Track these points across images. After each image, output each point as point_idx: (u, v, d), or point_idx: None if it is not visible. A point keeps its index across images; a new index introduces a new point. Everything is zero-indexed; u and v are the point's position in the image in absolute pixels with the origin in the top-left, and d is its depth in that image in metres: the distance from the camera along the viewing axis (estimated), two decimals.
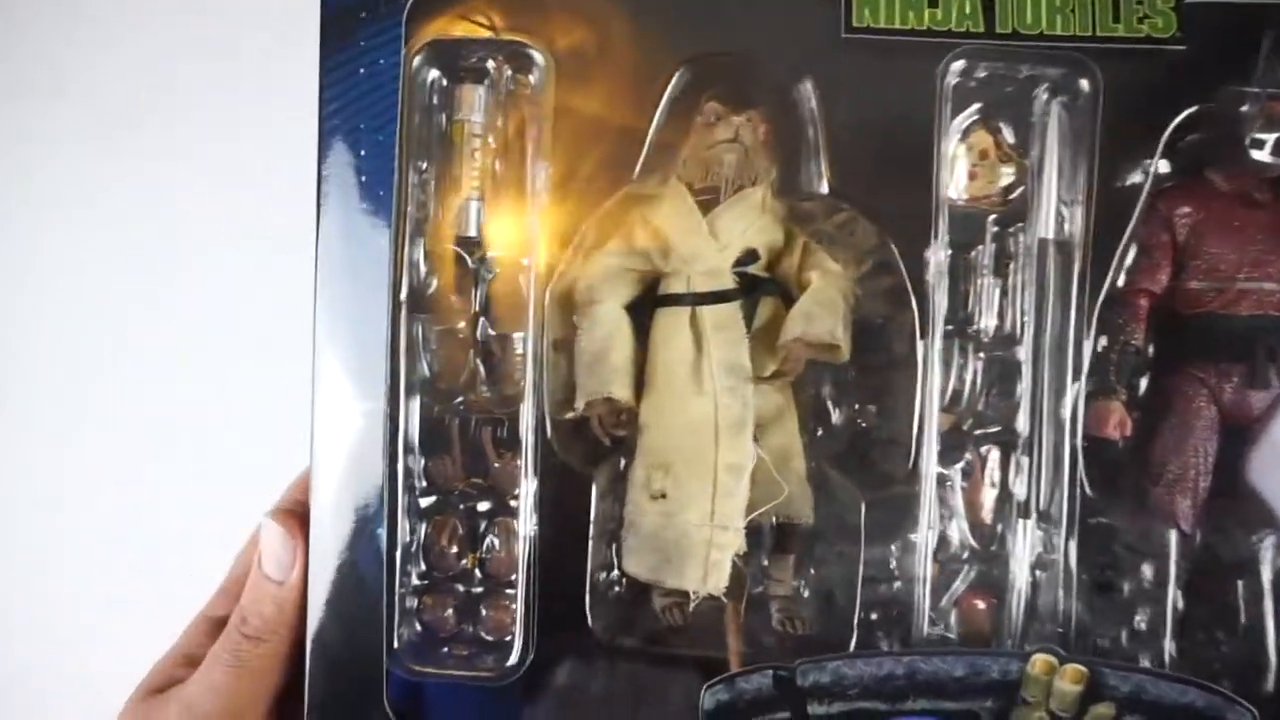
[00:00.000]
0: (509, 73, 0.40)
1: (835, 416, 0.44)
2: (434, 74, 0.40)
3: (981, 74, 0.39)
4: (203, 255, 0.70)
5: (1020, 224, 0.40)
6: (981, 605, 0.41)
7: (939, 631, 0.40)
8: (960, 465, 0.41)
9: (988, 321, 0.40)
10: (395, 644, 0.39)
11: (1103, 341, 0.41)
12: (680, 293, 0.43)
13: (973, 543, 0.41)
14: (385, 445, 0.38)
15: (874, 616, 0.40)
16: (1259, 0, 0.38)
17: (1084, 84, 0.38)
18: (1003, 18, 0.37)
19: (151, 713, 0.39)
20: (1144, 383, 0.43)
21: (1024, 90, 0.39)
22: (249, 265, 0.70)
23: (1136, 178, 0.40)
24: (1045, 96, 0.39)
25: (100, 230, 0.71)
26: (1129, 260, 0.42)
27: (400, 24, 0.38)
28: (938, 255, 0.39)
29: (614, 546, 0.42)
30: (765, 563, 0.43)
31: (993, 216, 0.40)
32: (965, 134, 0.40)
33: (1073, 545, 0.39)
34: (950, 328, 0.40)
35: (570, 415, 0.41)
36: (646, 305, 0.44)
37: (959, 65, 0.38)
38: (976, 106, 0.40)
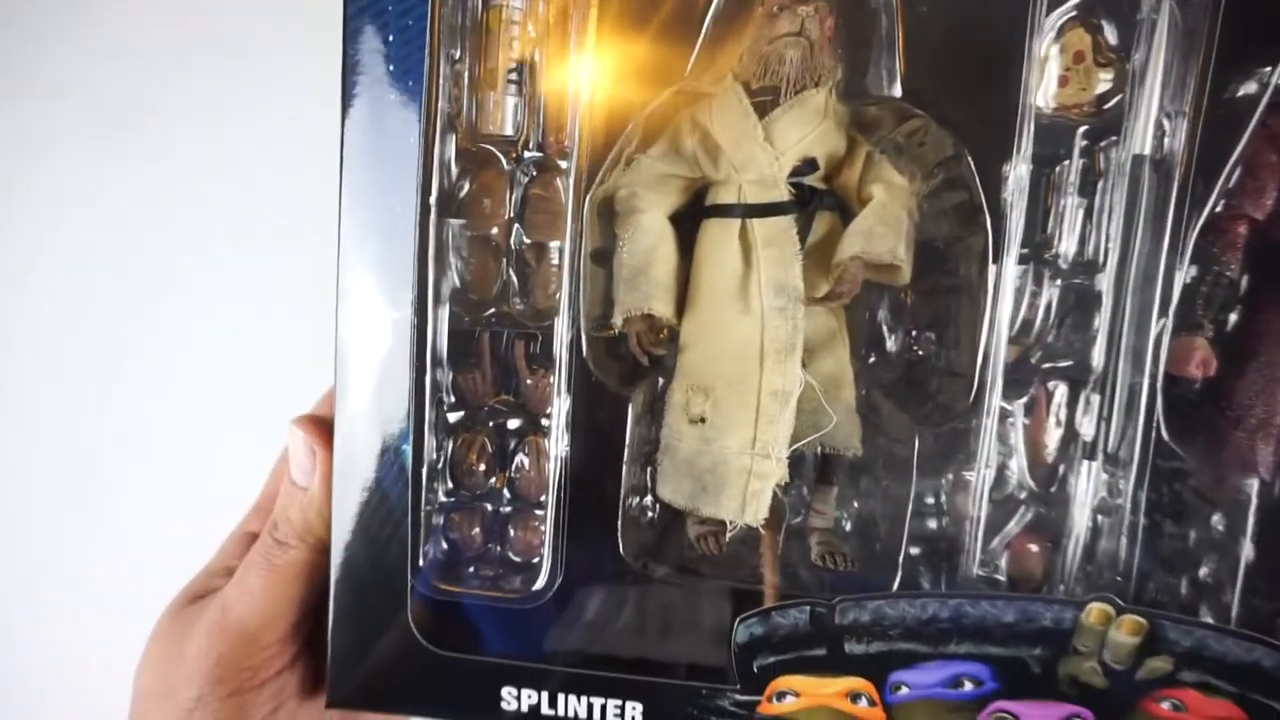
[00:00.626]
0: None
1: (890, 342, 0.41)
2: None
3: None
4: (203, 255, 0.69)
5: (1114, 138, 0.36)
6: (1035, 549, 0.38)
7: (988, 574, 0.38)
8: (1024, 400, 0.38)
9: (1068, 246, 0.37)
10: (420, 561, 0.38)
11: (1193, 271, 0.37)
12: (729, 203, 0.40)
13: (1031, 483, 0.38)
14: (412, 357, 0.36)
15: (919, 554, 0.38)
16: None
17: None
18: None
19: (190, 617, 0.40)
20: (1233, 318, 0.39)
21: None
22: (249, 265, 0.69)
23: (1251, 88, 0.35)
24: None
25: (100, 230, 0.70)
26: (1232, 182, 0.37)
27: None
28: (1017, 170, 0.35)
29: (649, 470, 0.41)
30: (806, 493, 0.41)
31: (1083, 128, 0.36)
32: (1059, 32, 0.36)
33: (1141, 491, 0.36)
34: (1025, 251, 0.36)
35: (607, 332, 0.39)
36: (693, 215, 0.41)
37: None
38: (1075, 1, 0.35)
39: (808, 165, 0.40)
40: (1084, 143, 0.36)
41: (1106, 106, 0.36)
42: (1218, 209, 0.37)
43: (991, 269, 0.36)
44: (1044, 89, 0.36)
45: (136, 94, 0.68)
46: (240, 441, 0.68)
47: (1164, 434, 0.36)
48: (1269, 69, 0.34)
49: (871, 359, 0.41)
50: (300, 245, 0.66)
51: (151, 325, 0.71)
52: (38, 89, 0.69)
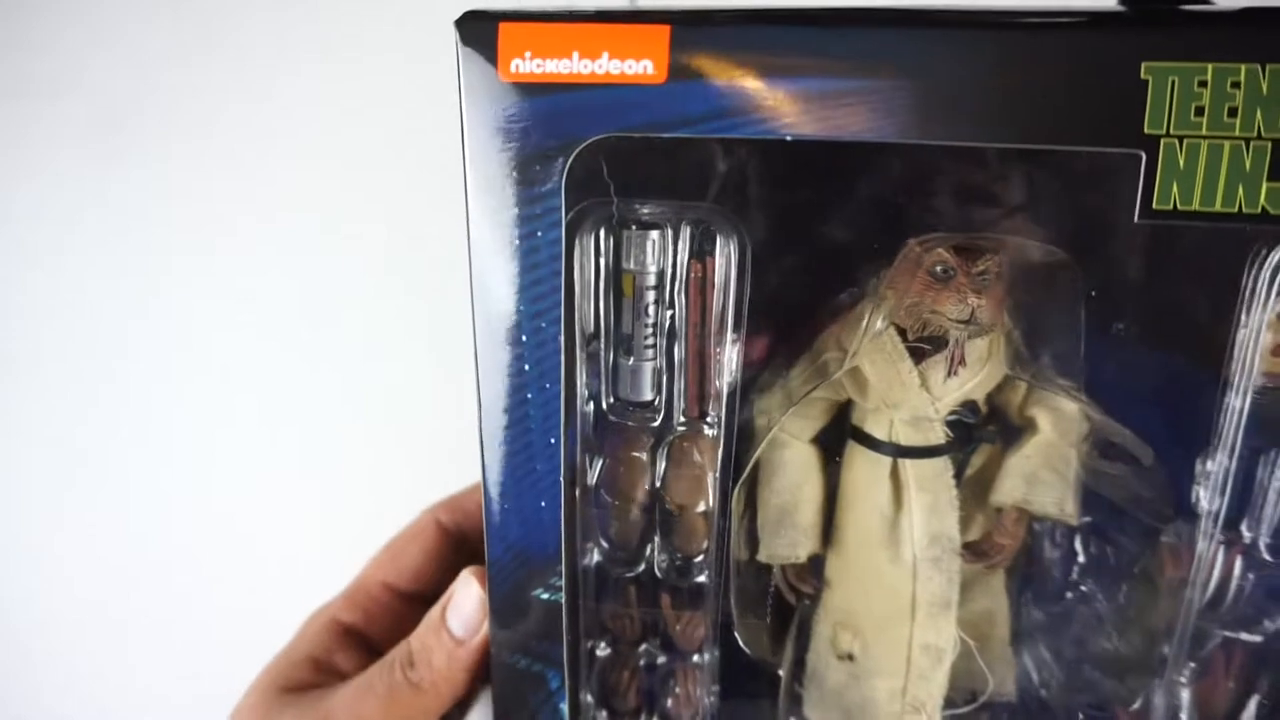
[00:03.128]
0: (688, 230, 0.33)
1: (1055, 575, 0.39)
2: (600, 232, 0.33)
3: None
4: (203, 255, 0.68)
5: None
6: None
7: None
8: (1198, 663, 0.36)
9: (1266, 537, 0.33)
10: None
11: None
12: (880, 439, 0.38)
13: None
14: (566, 626, 0.37)
15: None
16: None
17: None
18: None
19: (288, 710, 0.39)
20: None
21: None
22: (250, 265, 0.68)
23: None
24: None
25: (100, 230, 0.69)
26: None
27: (560, 189, 0.32)
28: (1217, 463, 0.32)
29: (798, 688, 0.41)
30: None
31: None
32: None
33: None
34: (1221, 539, 0.33)
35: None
36: (840, 429, 0.39)
37: None
38: None
39: (967, 409, 0.37)
40: None
41: None
42: None
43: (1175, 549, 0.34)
44: (1256, 359, 0.32)
45: (136, 94, 0.67)
46: (240, 442, 0.72)
47: None
48: None
49: (1028, 592, 0.39)
50: (301, 245, 0.67)
51: (152, 326, 0.71)
52: (38, 89, 0.69)
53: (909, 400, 0.36)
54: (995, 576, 0.39)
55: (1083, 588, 0.39)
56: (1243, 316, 0.30)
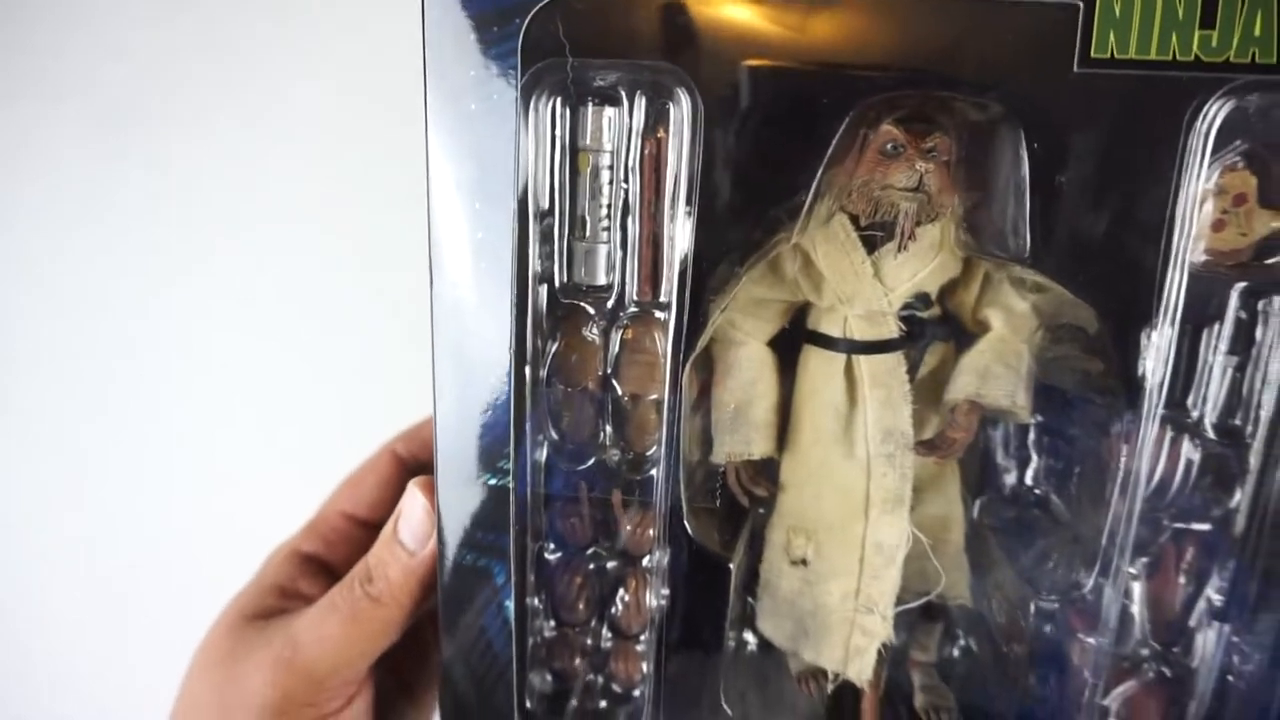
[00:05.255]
0: (644, 102, 0.33)
1: (1008, 478, 0.39)
2: (556, 101, 0.34)
3: (1254, 107, 0.30)
4: (203, 255, 0.68)
5: (1276, 295, 0.32)
6: (1155, 705, 0.37)
7: None
8: (1149, 558, 0.36)
9: (1213, 410, 0.33)
10: (529, 702, 0.39)
11: None
12: (834, 335, 0.38)
13: (1154, 642, 0.36)
14: (513, 519, 0.36)
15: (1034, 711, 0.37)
16: None
17: None
18: None
19: (251, 640, 0.39)
20: None
21: None
22: (251, 265, 0.68)
23: None
24: None
25: (100, 230, 0.69)
26: None
27: (516, 50, 0.32)
28: (1161, 335, 0.32)
29: (750, 601, 0.40)
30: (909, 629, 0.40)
31: (1240, 285, 0.32)
32: (1220, 173, 0.31)
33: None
34: (1165, 413, 0.33)
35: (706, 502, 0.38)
36: (793, 335, 0.39)
37: (1228, 104, 0.29)
38: (1239, 143, 0.31)
39: (920, 300, 0.37)
40: (1238, 301, 0.32)
41: (1270, 261, 0.32)
42: None
43: (1118, 427, 0.34)
44: (1196, 234, 0.32)
45: (137, 95, 0.68)
46: (241, 441, 0.71)
47: None
48: None
49: (984, 497, 0.39)
50: (302, 245, 0.67)
51: (153, 326, 0.71)
52: (38, 89, 0.69)
53: (862, 292, 0.36)
54: (950, 482, 0.39)
55: (1036, 491, 0.38)
56: (1181, 181, 0.30)
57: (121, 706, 0.74)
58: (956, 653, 0.40)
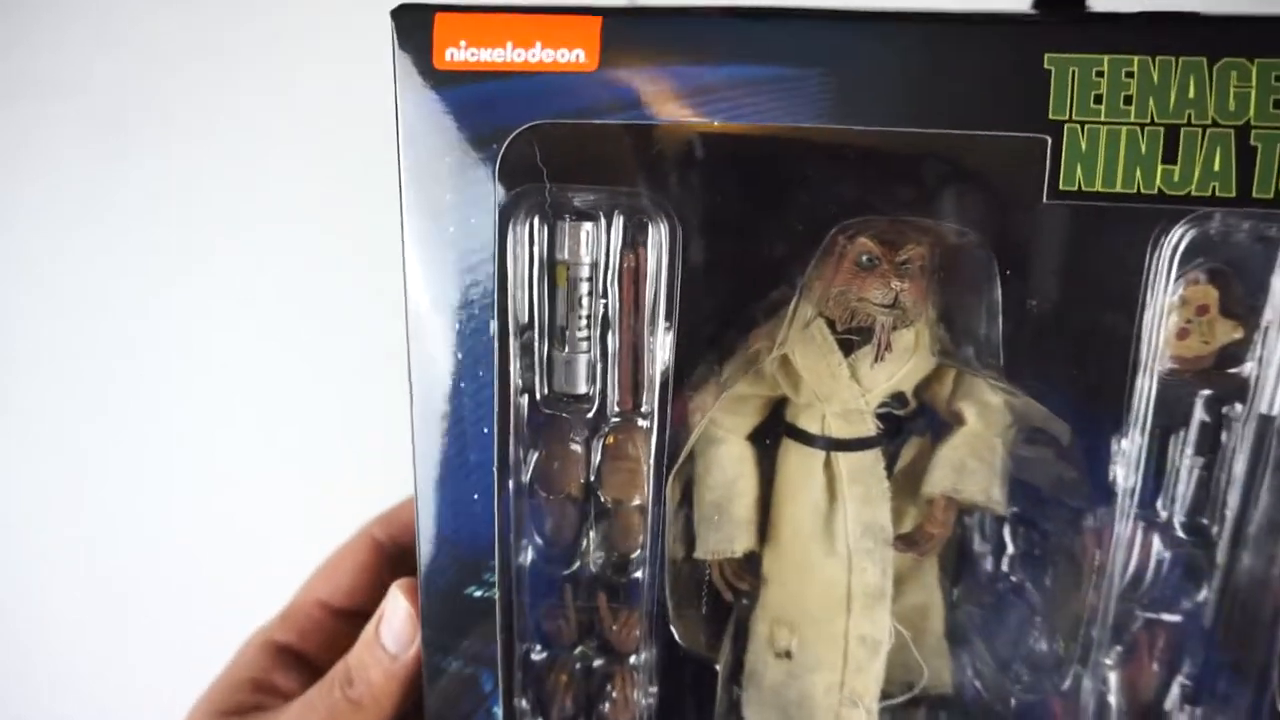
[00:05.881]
0: (621, 219, 0.34)
1: (985, 564, 0.40)
2: (534, 217, 0.34)
3: (1215, 230, 0.31)
4: (203, 255, 0.67)
5: (1238, 402, 0.33)
6: None
7: None
8: (1123, 645, 0.37)
9: (1182, 512, 0.34)
10: None
11: None
12: (813, 433, 0.38)
13: None
14: (499, 625, 0.36)
15: None
16: None
17: None
18: (1264, 177, 0.29)
19: None
20: None
21: (1269, 248, 0.31)
22: (251, 265, 0.67)
23: None
24: None
25: (100, 230, 0.69)
26: None
27: (493, 176, 0.32)
28: (1131, 442, 0.33)
29: (737, 690, 0.41)
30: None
31: (1204, 393, 0.33)
32: (1184, 286, 0.32)
33: None
34: (1136, 512, 0.34)
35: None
36: (774, 428, 0.40)
37: (1191, 230, 0.30)
38: (1201, 260, 0.32)
39: (896, 400, 0.37)
40: (1203, 406, 0.34)
41: (1231, 370, 0.33)
42: None
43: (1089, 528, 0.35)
44: (1161, 343, 0.33)
45: (138, 94, 0.67)
46: (241, 441, 0.71)
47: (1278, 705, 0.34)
48: None
49: (960, 585, 0.40)
50: (303, 245, 0.67)
51: (152, 325, 0.71)
52: (37, 89, 0.68)
53: (839, 392, 0.37)
54: (928, 571, 0.40)
55: (1013, 578, 0.39)
56: (1147, 297, 0.31)
57: (121, 706, 0.75)
58: None
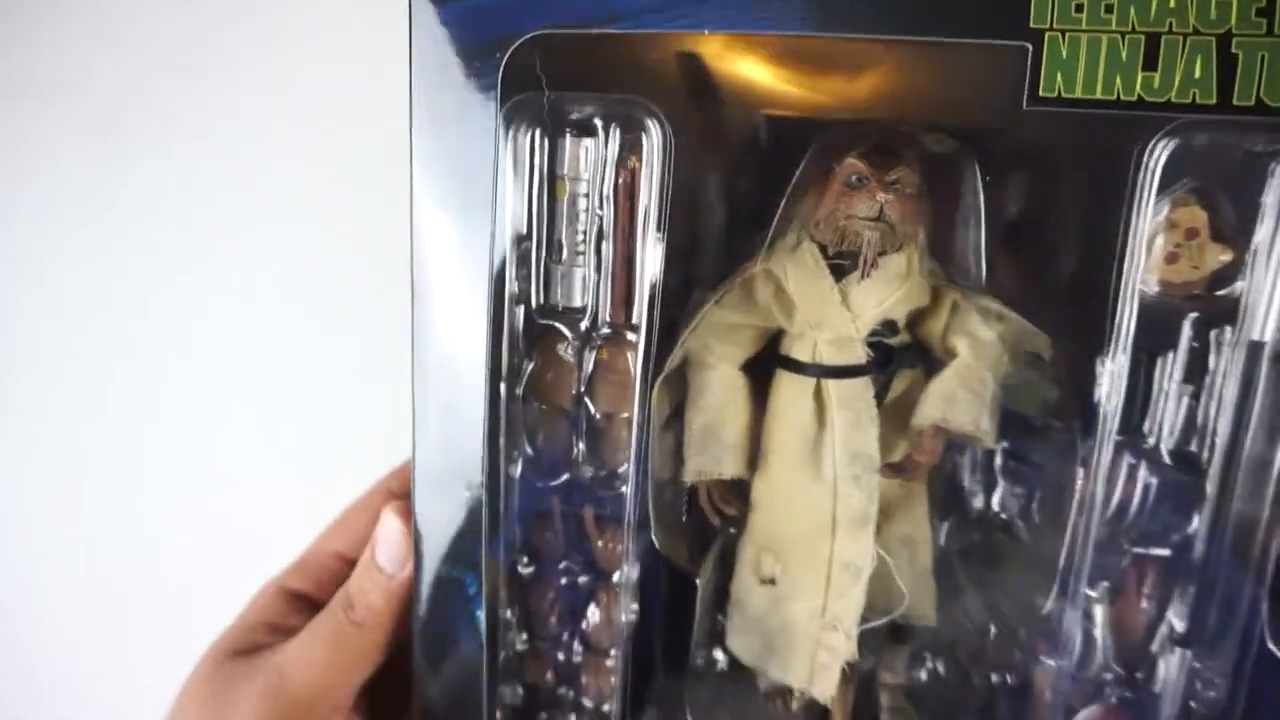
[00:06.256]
0: (618, 133, 0.35)
1: (976, 502, 0.40)
2: (535, 131, 0.35)
3: (1201, 145, 0.31)
4: (204, 255, 0.68)
5: (1228, 325, 0.33)
6: None
7: None
8: (1111, 582, 0.36)
9: (1170, 437, 0.34)
10: (498, 714, 0.39)
11: None
12: (804, 361, 0.39)
13: (1116, 667, 0.37)
14: (486, 533, 0.37)
15: None
16: None
17: None
18: (1245, 85, 0.29)
19: (238, 675, 0.40)
20: None
21: (1257, 165, 0.31)
22: (251, 265, 0.68)
23: None
24: None
25: (100, 230, 0.70)
26: None
27: (496, 83, 0.34)
28: (1116, 363, 0.33)
29: (720, 619, 0.41)
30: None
31: (1192, 315, 0.33)
32: (1171, 207, 0.32)
33: (1241, 690, 0.35)
34: (1122, 439, 0.34)
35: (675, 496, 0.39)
36: (767, 360, 0.40)
37: (1172, 142, 0.30)
38: (1188, 180, 0.32)
39: (887, 328, 0.38)
40: (1191, 330, 0.33)
41: (1220, 292, 0.33)
42: None
43: (1080, 453, 0.34)
44: (1149, 267, 0.33)
45: (137, 94, 0.68)
46: (241, 441, 0.71)
47: (1269, 642, 0.33)
48: None
49: (950, 520, 0.39)
50: (303, 245, 0.67)
51: (152, 325, 0.71)
52: (37, 89, 0.69)
53: (830, 318, 0.38)
54: (917, 504, 0.40)
55: (1002, 515, 0.39)
56: (1133, 217, 0.32)
57: (121, 706, 0.72)
58: (925, 676, 0.40)
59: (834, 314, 0.37)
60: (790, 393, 0.39)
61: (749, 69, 0.32)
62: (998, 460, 0.39)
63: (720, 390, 0.39)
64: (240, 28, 0.67)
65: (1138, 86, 0.29)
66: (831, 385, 0.38)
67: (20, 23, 0.69)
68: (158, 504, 0.73)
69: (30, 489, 0.76)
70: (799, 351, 0.39)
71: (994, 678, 0.37)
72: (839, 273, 0.37)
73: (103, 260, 0.70)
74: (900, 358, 0.39)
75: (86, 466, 0.74)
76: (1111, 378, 0.33)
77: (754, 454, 0.40)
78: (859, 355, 0.38)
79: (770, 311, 0.39)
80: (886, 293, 0.37)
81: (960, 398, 0.37)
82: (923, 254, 0.36)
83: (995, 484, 0.39)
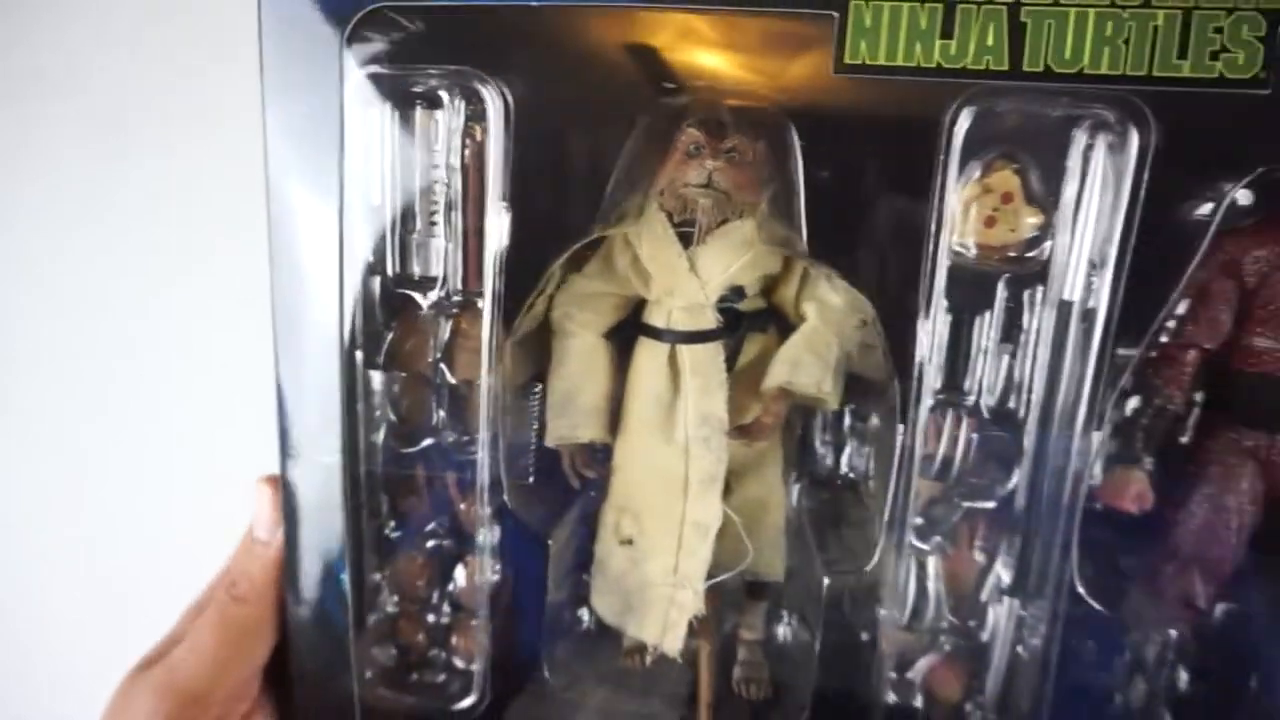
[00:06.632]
0: (462, 104, 0.36)
1: (825, 465, 0.41)
2: (387, 105, 0.36)
3: (1004, 111, 0.32)
4: (204, 255, 0.68)
5: (1040, 285, 0.35)
6: (954, 676, 0.39)
7: (903, 701, 0.39)
8: (944, 535, 0.38)
9: (989, 394, 0.36)
10: (368, 673, 0.40)
11: (1133, 403, 0.37)
12: (659, 327, 0.40)
13: (950, 616, 0.38)
14: (345, 498, 0.38)
15: (835, 686, 0.38)
16: None
17: (1134, 134, 0.31)
18: (1033, 52, 0.30)
19: (136, 680, 0.40)
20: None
21: (1060, 130, 0.33)
22: (251, 265, 0.67)
23: (1190, 217, 0.33)
24: (1085, 138, 0.33)
25: (100, 230, 0.70)
26: (1179, 310, 0.36)
27: (337, 55, 0.34)
28: (934, 324, 0.34)
29: (585, 579, 0.42)
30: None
31: (1006, 277, 0.35)
32: (985, 172, 0.34)
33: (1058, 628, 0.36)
34: (943, 397, 0.36)
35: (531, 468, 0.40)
36: (630, 329, 0.41)
37: (973, 109, 0.32)
38: (998, 146, 0.33)
39: (734, 293, 0.39)
40: (1006, 291, 0.35)
41: (1031, 254, 0.34)
42: (1162, 338, 0.36)
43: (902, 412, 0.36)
44: (967, 231, 0.35)
45: (137, 94, 0.68)
46: (241, 441, 0.68)
47: (1077, 585, 0.35)
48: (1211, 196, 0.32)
49: (802, 481, 0.41)
50: None
51: (152, 325, 0.71)
52: (37, 89, 0.69)
53: (681, 285, 0.39)
54: (769, 466, 0.41)
55: (850, 475, 0.41)
56: (945, 182, 0.33)
57: None
58: (781, 630, 0.42)
59: (684, 280, 0.39)
60: (647, 358, 0.40)
61: (582, 40, 0.33)
62: (846, 421, 0.40)
63: (580, 357, 0.40)
64: (240, 28, 0.67)
65: (936, 54, 0.31)
66: (685, 350, 0.39)
67: (20, 23, 0.69)
68: (158, 504, 0.73)
69: (30, 489, 0.76)
70: (655, 318, 0.40)
71: (836, 633, 0.38)
72: (686, 241, 0.38)
73: (103, 260, 0.70)
74: (749, 322, 0.40)
75: (86, 466, 0.74)
76: (931, 338, 0.34)
77: (615, 419, 0.41)
78: (709, 320, 0.39)
79: (629, 279, 0.40)
80: (732, 259, 0.38)
81: (805, 361, 0.38)
82: (763, 221, 0.38)
83: (844, 445, 0.41)
